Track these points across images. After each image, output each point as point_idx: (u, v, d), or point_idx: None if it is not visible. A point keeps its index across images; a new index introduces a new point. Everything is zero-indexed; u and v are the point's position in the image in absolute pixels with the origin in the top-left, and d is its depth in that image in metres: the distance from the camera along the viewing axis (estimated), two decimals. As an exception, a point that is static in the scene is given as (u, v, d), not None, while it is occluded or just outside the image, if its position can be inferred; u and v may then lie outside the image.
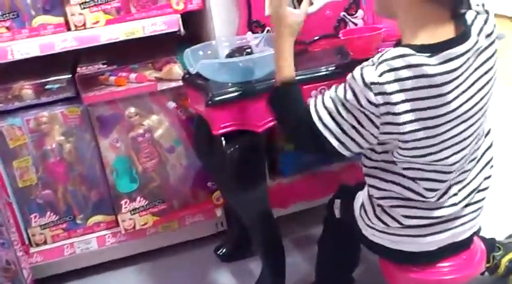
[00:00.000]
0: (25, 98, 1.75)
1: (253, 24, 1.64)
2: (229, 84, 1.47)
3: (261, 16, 1.63)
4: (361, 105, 1.07)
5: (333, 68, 1.50)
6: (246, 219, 1.64)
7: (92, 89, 1.75)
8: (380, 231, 1.28)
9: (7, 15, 1.64)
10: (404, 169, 1.18)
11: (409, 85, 1.04)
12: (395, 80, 1.04)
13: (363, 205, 1.31)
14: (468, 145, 1.16)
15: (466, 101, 1.09)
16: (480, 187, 1.27)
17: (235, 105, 1.45)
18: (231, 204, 1.78)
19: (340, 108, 1.12)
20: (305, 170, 1.88)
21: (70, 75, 1.77)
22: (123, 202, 1.84)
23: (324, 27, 1.68)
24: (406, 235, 1.25)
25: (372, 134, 1.12)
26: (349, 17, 1.70)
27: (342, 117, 1.12)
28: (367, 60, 1.11)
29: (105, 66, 1.79)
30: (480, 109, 1.13)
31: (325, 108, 1.14)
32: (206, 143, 1.65)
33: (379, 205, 1.27)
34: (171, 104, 1.81)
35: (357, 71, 1.08)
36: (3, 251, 1.69)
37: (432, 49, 1.05)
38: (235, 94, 1.45)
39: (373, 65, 1.06)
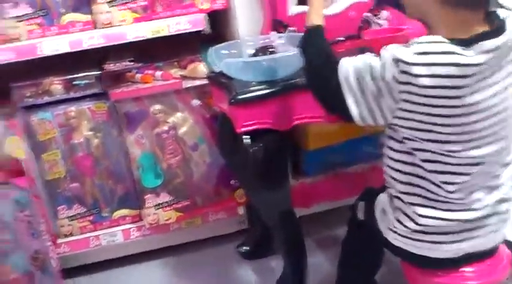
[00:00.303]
0: (54, 93, 1.79)
1: (277, 24, 1.64)
2: (253, 82, 1.47)
3: (285, 16, 1.63)
4: (383, 78, 1.07)
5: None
6: (268, 218, 1.65)
7: (119, 86, 1.78)
8: (402, 236, 1.26)
9: (38, 12, 1.68)
10: (423, 161, 1.16)
11: (438, 72, 1.03)
12: (425, 64, 1.03)
13: (383, 206, 1.30)
14: (492, 142, 1.13)
15: (494, 95, 1.07)
16: (508, 197, 1.22)
17: (258, 103, 1.46)
18: (254, 202, 1.78)
19: (367, 73, 1.10)
20: (329, 170, 1.86)
21: (99, 72, 1.80)
22: (147, 197, 1.87)
23: (347, 28, 1.67)
24: (428, 241, 1.23)
25: (389, 108, 1.10)
26: (373, 17, 1.68)
27: (366, 82, 1.10)
28: None
29: (131, 63, 1.82)
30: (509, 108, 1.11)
31: (354, 67, 1.12)
32: (230, 141, 1.65)
33: (397, 208, 1.25)
34: (196, 102, 1.83)
35: (391, 46, 1.08)
36: (32, 241, 1.74)
37: (466, 42, 1.04)
38: (259, 93, 1.45)
39: (408, 46, 1.06)
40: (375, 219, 1.34)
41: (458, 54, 1.02)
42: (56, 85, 1.79)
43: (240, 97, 1.45)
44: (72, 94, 1.81)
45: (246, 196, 1.90)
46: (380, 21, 1.67)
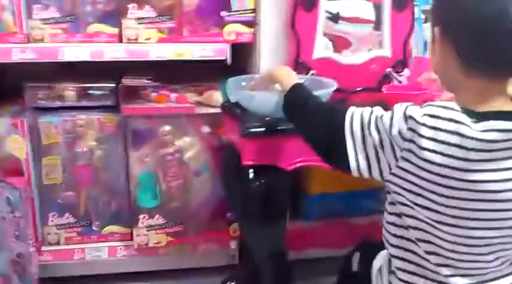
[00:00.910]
0: (66, 99, 1.79)
1: (300, 65, 1.66)
2: (266, 118, 1.47)
3: (309, 58, 1.65)
4: (390, 132, 1.05)
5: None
6: (260, 256, 1.62)
7: (132, 102, 1.78)
8: None
9: (66, 18, 1.70)
10: (410, 227, 1.12)
11: (441, 137, 1.01)
12: (431, 127, 1.01)
13: (381, 264, 1.28)
14: (490, 228, 1.06)
15: (496, 181, 1.02)
16: None
17: (268, 139, 1.46)
18: (248, 237, 1.76)
19: (373, 124, 1.09)
20: (328, 218, 1.85)
21: (114, 85, 1.81)
22: (141, 216, 1.84)
23: (368, 80, 1.69)
24: None
25: (388, 163, 1.07)
26: (395, 74, 1.70)
27: (370, 132, 1.09)
28: None
29: (149, 81, 1.82)
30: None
31: (361, 116, 1.11)
32: (233, 173, 1.65)
33: (392, 272, 1.23)
34: (206, 129, 1.83)
35: (405, 103, 1.07)
36: (16, 244, 1.71)
37: (478, 116, 1.02)
38: (270, 128, 1.46)
39: (422, 106, 1.05)
40: (369, 274, 1.31)
41: (465, 124, 1.00)
42: (69, 91, 1.79)
43: (252, 130, 1.46)
44: (84, 103, 1.80)
45: (240, 231, 1.88)
46: (401, 78, 1.68)
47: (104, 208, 1.88)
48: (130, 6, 1.69)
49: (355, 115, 1.12)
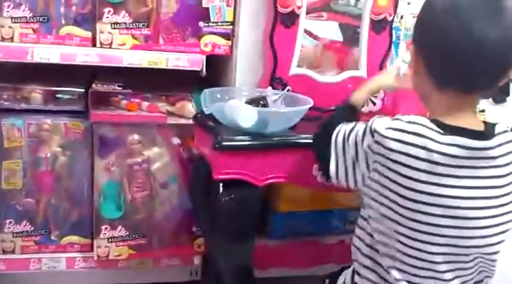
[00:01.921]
0: (32, 102, 1.73)
1: (276, 81, 1.65)
2: (241, 132, 1.45)
3: (285, 74, 1.64)
4: (362, 145, 1.13)
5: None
6: (226, 272, 1.58)
7: (102, 108, 1.73)
8: None
9: (37, 17, 1.64)
10: (376, 241, 1.15)
11: (407, 151, 1.04)
12: (399, 140, 1.05)
13: (344, 280, 1.27)
14: (448, 244, 1.08)
15: (458, 198, 1.04)
16: None
17: (241, 154, 1.44)
18: (214, 253, 1.72)
19: (351, 138, 1.17)
20: (296, 236, 1.83)
21: (83, 90, 1.75)
22: (103, 227, 1.78)
23: (343, 99, 1.68)
24: None
25: (362, 174, 1.15)
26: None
27: (349, 145, 1.17)
28: None
29: (120, 88, 1.78)
30: (468, 218, 1.05)
31: (344, 130, 1.20)
32: (202, 186, 1.62)
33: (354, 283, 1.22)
34: (176, 140, 1.79)
35: (377, 116, 1.14)
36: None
37: (446, 128, 1.05)
38: (244, 143, 1.44)
39: (391, 119, 1.10)
40: None
41: (431, 139, 1.03)
42: (36, 94, 1.73)
43: (225, 143, 1.43)
44: (50, 107, 1.74)
45: (206, 246, 1.84)
46: (375, 100, 1.69)
47: (65, 217, 1.81)
48: (106, 10, 1.65)
49: (342, 128, 1.22)
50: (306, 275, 1.89)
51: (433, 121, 1.06)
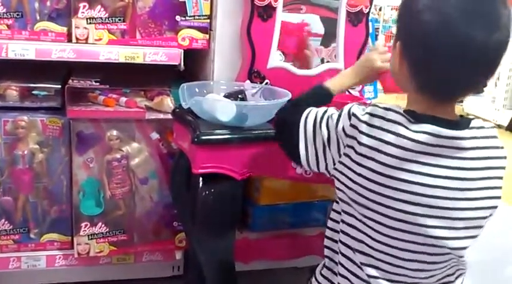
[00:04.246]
0: (8, 99, 1.71)
1: (254, 74, 1.65)
2: (218, 125, 1.45)
3: (264, 67, 1.64)
4: (336, 128, 1.13)
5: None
6: (207, 266, 1.58)
7: (79, 104, 1.72)
8: None
9: (11, 13, 1.62)
10: (344, 223, 1.16)
11: (379, 135, 1.05)
12: (372, 125, 1.06)
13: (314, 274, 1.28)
14: (410, 232, 1.07)
15: (421, 185, 1.04)
16: None
17: (220, 147, 1.44)
18: (195, 247, 1.72)
19: (324, 121, 1.16)
20: (277, 228, 1.84)
21: (59, 86, 1.73)
22: (83, 224, 1.77)
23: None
24: None
25: (332, 158, 1.15)
26: (347, 86, 1.71)
27: (321, 129, 1.16)
28: None
29: (97, 84, 1.76)
30: (437, 208, 1.05)
31: (315, 115, 1.19)
32: (182, 181, 1.62)
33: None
34: (155, 135, 1.78)
35: (353, 103, 1.15)
36: None
37: (417, 117, 1.05)
38: (223, 137, 1.44)
39: (367, 106, 1.11)
40: None
41: (402, 125, 1.04)
42: (12, 90, 1.71)
43: (204, 137, 1.43)
44: (26, 104, 1.72)
45: (187, 241, 1.83)
46: (353, 92, 1.70)
47: (43, 215, 1.80)
48: (81, 5, 1.63)
49: (310, 113, 1.20)
50: (287, 267, 1.91)
51: (408, 111, 1.07)
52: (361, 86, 1.72)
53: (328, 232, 1.25)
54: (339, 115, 1.13)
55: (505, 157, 1.10)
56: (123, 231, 1.82)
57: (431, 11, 1.01)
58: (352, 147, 1.09)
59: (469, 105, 5.69)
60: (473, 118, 1.10)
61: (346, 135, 1.10)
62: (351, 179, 1.10)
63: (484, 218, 1.08)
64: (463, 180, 1.05)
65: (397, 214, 1.06)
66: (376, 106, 1.09)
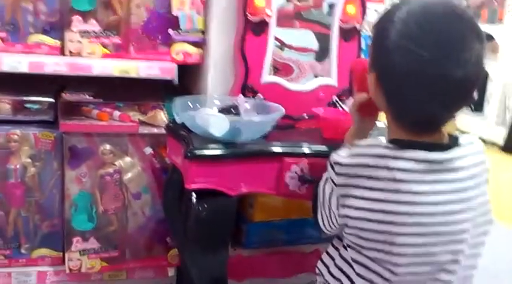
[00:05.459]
0: (1, 112, 1.69)
1: (247, 89, 1.64)
2: (213, 141, 1.44)
3: (257, 82, 1.63)
4: (331, 185, 1.13)
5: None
6: (199, 283, 1.56)
7: (72, 118, 1.70)
8: None
9: (5, 26, 1.62)
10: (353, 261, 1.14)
11: (372, 173, 1.04)
12: (361, 165, 1.05)
13: None
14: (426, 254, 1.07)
15: (423, 214, 1.04)
16: None
17: (214, 163, 1.42)
18: (188, 264, 1.69)
19: (328, 183, 1.16)
20: (271, 245, 1.82)
21: (53, 100, 1.72)
22: (74, 239, 1.75)
23: (315, 107, 1.68)
24: None
25: (335, 215, 1.14)
26: (340, 102, 1.71)
27: (324, 190, 1.18)
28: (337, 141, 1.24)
29: (91, 98, 1.75)
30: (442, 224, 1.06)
31: (325, 179, 1.19)
32: (175, 196, 1.60)
33: None
34: (148, 150, 1.77)
35: (334, 152, 1.14)
36: None
37: (403, 144, 1.04)
38: (216, 152, 1.42)
39: (348, 148, 1.11)
40: None
41: (389, 157, 1.03)
42: (4, 103, 1.69)
43: (197, 152, 1.41)
44: (19, 117, 1.71)
45: (180, 257, 1.81)
46: (346, 107, 1.69)
47: (35, 230, 1.77)
48: (74, 18, 1.63)
49: (323, 178, 1.20)
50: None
51: (392, 140, 1.07)
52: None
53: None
54: (328, 173, 1.14)
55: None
56: (115, 247, 1.80)
57: (402, 51, 0.99)
58: (345, 195, 1.08)
59: (461, 121, 5.66)
60: (459, 136, 1.09)
61: (337, 185, 1.09)
62: (350, 226, 1.09)
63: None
64: (460, 203, 1.05)
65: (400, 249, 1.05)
66: (358, 145, 1.09)
